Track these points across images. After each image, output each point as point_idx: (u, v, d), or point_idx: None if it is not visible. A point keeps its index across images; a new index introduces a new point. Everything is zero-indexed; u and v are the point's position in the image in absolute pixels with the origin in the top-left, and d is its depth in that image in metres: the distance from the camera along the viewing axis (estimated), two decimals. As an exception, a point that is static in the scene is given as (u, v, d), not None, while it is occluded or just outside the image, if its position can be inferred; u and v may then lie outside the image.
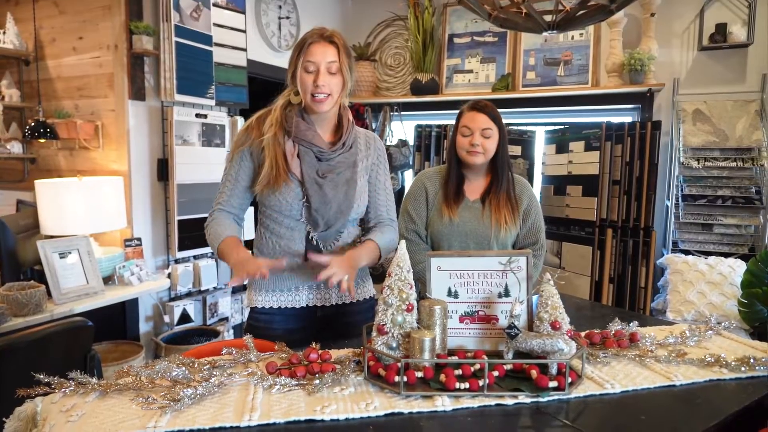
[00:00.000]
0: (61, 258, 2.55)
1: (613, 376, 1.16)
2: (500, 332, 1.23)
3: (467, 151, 1.69)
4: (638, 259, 3.17)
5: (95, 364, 2.09)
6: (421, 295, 1.26)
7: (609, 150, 3.18)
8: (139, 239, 3.11)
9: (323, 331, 1.56)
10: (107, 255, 2.90)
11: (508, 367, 1.14)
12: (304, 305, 1.50)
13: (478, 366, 1.14)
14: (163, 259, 3.36)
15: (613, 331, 1.36)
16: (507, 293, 1.24)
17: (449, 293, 1.24)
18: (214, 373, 1.12)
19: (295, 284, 1.49)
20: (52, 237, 2.65)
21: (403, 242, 1.21)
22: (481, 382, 1.06)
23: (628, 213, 3.18)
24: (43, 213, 2.74)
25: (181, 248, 3.32)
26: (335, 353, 1.24)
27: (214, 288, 3.69)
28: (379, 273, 1.69)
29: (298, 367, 1.14)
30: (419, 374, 1.10)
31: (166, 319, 3.31)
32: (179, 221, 3.28)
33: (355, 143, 1.49)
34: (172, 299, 3.40)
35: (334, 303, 1.52)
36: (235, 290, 3.64)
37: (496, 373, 1.11)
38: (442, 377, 1.09)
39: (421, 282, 1.70)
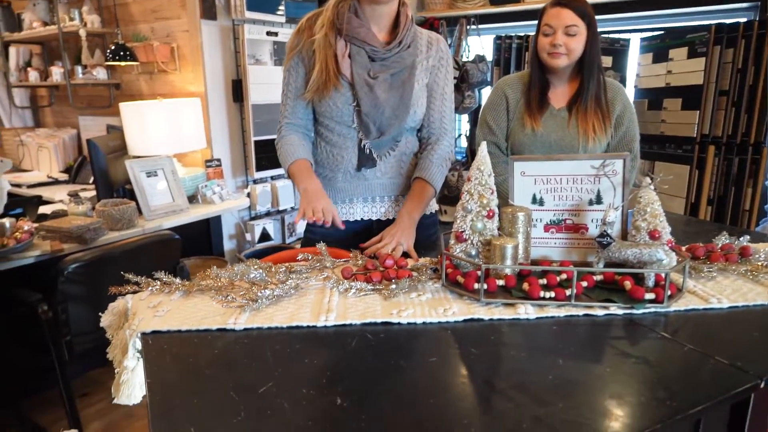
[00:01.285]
0: (148, 177, 2.67)
1: (719, 291, 1.05)
2: (589, 242, 1.16)
3: (548, 52, 1.58)
4: (744, 179, 2.87)
5: (184, 275, 2.22)
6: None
7: (717, 56, 2.81)
8: (218, 160, 3.20)
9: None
10: (190, 175, 3.01)
11: (598, 277, 1.08)
12: (359, 218, 1.49)
13: (564, 276, 1.09)
14: (243, 180, 3.45)
15: (720, 245, 1.23)
16: (599, 200, 1.16)
17: (534, 200, 1.18)
18: (291, 276, 1.14)
19: (348, 196, 1.48)
20: (138, 157, 2.76)
21: (483, 144, 1.14)
22: (568, 292, 1.01)
23: (735, 128, 2.85)
24: (129, 134, 2.85)
25: (258, 168, 3.39)
26: (411, 261, 1.22)
27: (292, 208, 3.78)
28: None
29: (373, 272, 1.12)
30: (500, 282, 1.06)
31: (248, 237, 3.45)
32: (255, 142, 3.33)
33: (415, 43, 1.42)
34: (252, 218, 3.52)
35: (392, 218, 1.49)
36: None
37: (584, 284, 1.06)
38: (525, 286, 1.04)
39: (501, 197, 1.65)
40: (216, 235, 3.30)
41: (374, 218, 1.50)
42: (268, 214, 3.61)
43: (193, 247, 3.18)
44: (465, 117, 4.06)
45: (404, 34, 1.38)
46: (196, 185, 2.99)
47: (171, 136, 2.86)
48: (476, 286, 1.05)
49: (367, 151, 1.43)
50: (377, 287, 1.09)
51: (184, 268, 2.30)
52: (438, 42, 1.46)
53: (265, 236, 3.52)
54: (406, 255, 1.29)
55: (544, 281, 1.06)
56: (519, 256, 1.11)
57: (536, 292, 1.02)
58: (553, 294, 1.01)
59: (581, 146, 1.64)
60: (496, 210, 1.12)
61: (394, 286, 1.07)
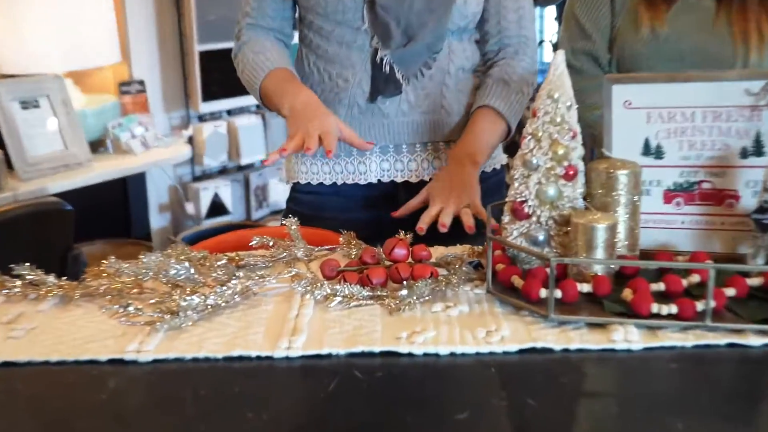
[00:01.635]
0: (23, 110, 2.66)
1: None
2: (741, 222, 1.14)
3: None
4: None
5: (79, 269, 2.22)
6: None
7: None
8: (140, 83, 3.20)
9: (410, 227, 1.56)
10: (94, 107, 3.01)
11: (755, 282, 1.05)
12: (375, 180, 1.55)
13: (696, 279, 1.06)
14: (181, 115, 3.46)
15: None
16: (759, 149, 1.13)
17: (646, 149, 1.17)
18: (238, 274, 1.12)
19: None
20: (9, 77, 2.75)
21: (560, 54, 1.10)
22: (700, 306, 0.98)
23: None
24: (-6, 41, 2.83)
25: (206, 98, 3.39)
26: (437, 251, 1.23)
27: (262, 162, 3.77)
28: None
29: (373, 269, 1.12)
30: (585, 288, 1.04)
31: (189, 208, 3.47)
32: (202, 54, 3.31)
33: None
34: (197, 178, 3.54)
35: (427, 177, 1.54)
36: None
37: (730, 292, 1.02)
38: (628, 294, 1.02)
39: (596, 141, 1.59)
40: (137, 205, 3.33)
41: (399, 179, 1.55)
42: (223, 171, 3.62)
43: (98, 223, 3.19)
44: (550, 11, 4.03)
45: None
46: (104, 124, 2.99)
47: (62, 42, 2.85)
48: (543, 293, 1.02)
49: (386, 68, 1.47)
50: (379, 293, 1.08)
51: (78, 258, 2.30)
52: None
53: (217, 207, 3.53)
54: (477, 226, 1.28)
55: (659, 287, 1.04)
56: (619, 244, 1.10)
57: (646, 305, 0.99)
58: (674, 309, 0.98)
59: (737, 59, 1.61)
60: (581, 166, 1.10)
61: (404, 292, 1.05)
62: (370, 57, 1.48)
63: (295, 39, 1.62)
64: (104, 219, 3.27)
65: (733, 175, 1.14)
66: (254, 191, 3.67)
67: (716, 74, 1.13)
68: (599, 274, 1.05)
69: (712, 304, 0.97)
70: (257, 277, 1.11)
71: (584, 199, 1.12)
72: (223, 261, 1.14)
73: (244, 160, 3.58)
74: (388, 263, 1.14)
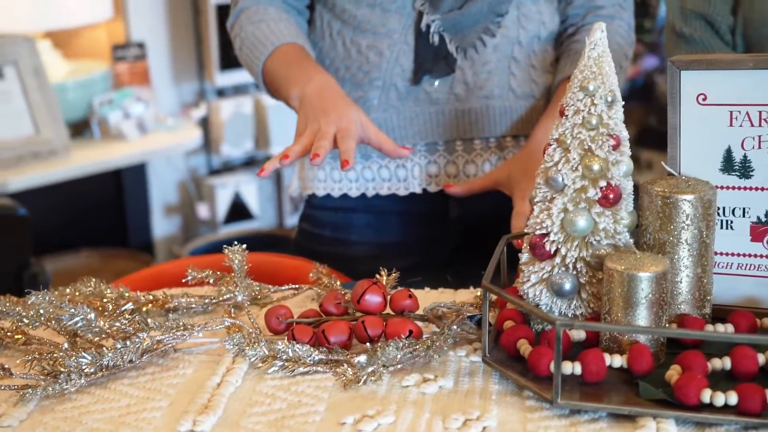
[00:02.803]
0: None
1: None
2: None
3: None
4: None
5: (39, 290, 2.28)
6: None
7: None
8: (140, 45, 3.26)
9: (464, 255, 1.60)
10: (78, 77, 3.08)
11: None
12: (419, 189, 1.57)
13: None
14: (194, 89, 3.52)
15: None
16: None
17: (728, 164, 1.13)
18: (152, 323, 1.12)
19: (397, 142, 1.51)
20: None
21: (599, 26, 1.07)
22: None
23: None
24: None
25: (226, 66, 3.43)
26: (429, 298, 1.22)
27: (258, 173, 3.78)
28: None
29: (332, 323, 1.12)
30: (616, 361, 1.00)
31: (202, 211, 3.53)
32: (220, 8, 3.35)
33: None
34: (213, 172, 3.59)
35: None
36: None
37: None
38: (673, 373, 0.98)
39: None
40: (136, 206, 3.41)
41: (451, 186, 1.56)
42: (247, 163, 3.66)
43: (88, 228, 3.27)
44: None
45: None
46: (90, 99, 3.06)
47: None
48: (553, 367, 0.98)
49: (435, 38, 1.49)
50: (335, 357, 1.07)
51: (38, 276, 2.37)
52: None
53: (240, 210, 3.58)
54: None
55: (725, 364, 1.00)
56: (680, 298, 1.09)
57: (694, 392, 0.95)
58: (734, 398, 0.94)
59: None
60: (628, 188, 1.08)
61: (362, 358, 1.04)
62: (413, 23, 1.49)
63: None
64: (93, 223, 3.36)
65: None
66: (288, 190, 3.69)
67: None
68: (640, 342, 1.01)
69: (792, 395, 0.92)
70: (179, 330, 1.10)
71: (635, 233, 1.09)
72: (129, 305, 1.13)
73: (276, 149, 3.59)
74: (353, 313, 1.13)
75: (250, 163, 3.68)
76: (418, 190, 1.53)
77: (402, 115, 1.51)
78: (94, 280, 1.22)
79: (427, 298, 1.22)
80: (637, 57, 4.06)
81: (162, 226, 3.56)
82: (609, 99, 1.05)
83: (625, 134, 1.07)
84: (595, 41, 1.06)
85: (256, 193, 3.62)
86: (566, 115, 1.06)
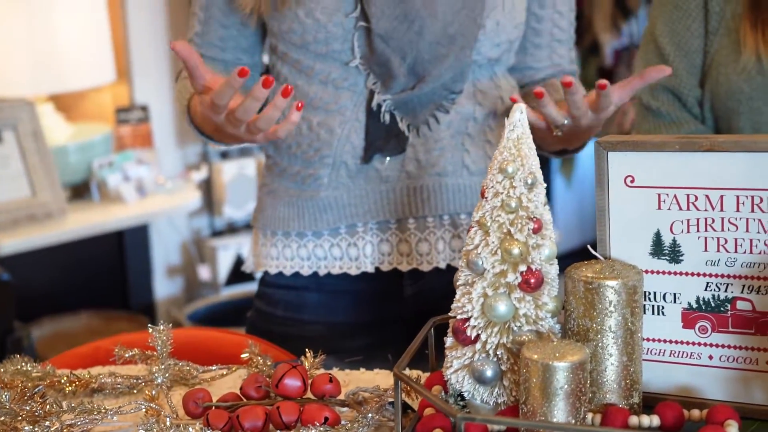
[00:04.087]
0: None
1: None
2: None
3: None
4: None
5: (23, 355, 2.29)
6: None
7: None
8: (144, 108, 3.29)
9: (416, 334, 1.60)
10: (79, 140, 3.11)
11: None
12: (372, 268, 1.56)
13: None
14: (198, 152, 3.53)
15: None
16: None
17: (657, 248, 1.12)
18: (67, 405, 1.11)
19: (345, 218, 1.54)
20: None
21: (518, 108, 1.06)
22: None
23: None
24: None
25: (231, 128, 3.44)
26: (354, 381, 1.21)
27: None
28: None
29: (247, 408, 1.09)
30: None
31: (203, 273, 3.52)
32: (226, 71, 3.38)
33: None
34: (215, 233, 3.59)
35: (443, 264, 1.56)
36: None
37: None
38: None
39: None
40: (137, 267, 3.42)
41: (404, 266, 1.56)
42: (250, 225, 3.62)
43: (87, 290, 3.28)
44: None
45: None
46: (90, 162, 3.08)
47: (36, 58, 2.96)
48: None
49: (386, 117, 1.48)
50: None
51: (21, 341, 2.38)
52: None
53: (240, 271, 3.56)
54: None
55: None
56: (606, 388, 1.06)
57: None
58: None
59: None
60: (552, 273, 1.06)
61: None
62: (365, 101, 1.49)
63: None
64: (94, 285, 3.36)
65: (782, 292, 1.07)
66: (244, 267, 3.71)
67: (752, 140, 1.06)
68: (552, 436, 0.97)
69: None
70: (92, 413, 1.09)
71: (562, 320, 1.08)
72: (39, 388, 1.12)
73: (277, 208, 3.61)
74: (274, 398, 1.12)
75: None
76: (370, 269, 1.52)
77: (352, 193, 1.50)
78: (20, 357, 1.22)
79: (360, 380, 1.21)
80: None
81: (164, 287, 3.56)
82: (529, 181, 1.03)
83: (547, 217, 1.05)
84: (514, 122, 1.04)
85: (259, 254, 3.61)
86: (486, 198, 1.05)
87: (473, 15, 1.44)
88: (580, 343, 1.01)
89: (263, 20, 1.52)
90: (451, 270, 1.47)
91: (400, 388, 1.03)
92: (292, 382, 1.10)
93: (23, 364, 1.20)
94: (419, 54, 1.45)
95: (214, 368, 1.24)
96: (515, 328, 1.04)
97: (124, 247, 3.37)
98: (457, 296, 1.07)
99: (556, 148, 1.52)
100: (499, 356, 1.04)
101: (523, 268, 1.02)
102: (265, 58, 1.64)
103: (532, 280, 1.02)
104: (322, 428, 1.03)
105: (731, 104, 1.69)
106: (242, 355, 1.26)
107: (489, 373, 1.04)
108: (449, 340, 1.08)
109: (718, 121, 1.73)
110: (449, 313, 1.09)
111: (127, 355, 1.22)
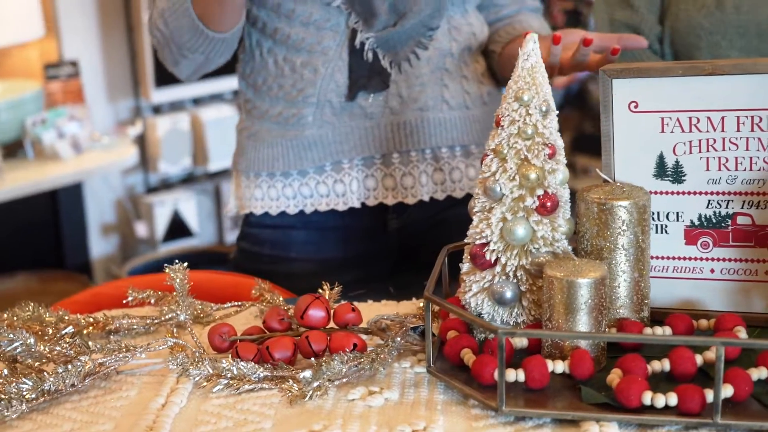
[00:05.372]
0: None
1: None
2: None
3: None
4: None
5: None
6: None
7: None
8: (74, 64, 3.23)
9: (403, 267, 1.63)
10: (9, 98, 3.04)
11: None
12: (358, 203, 1.58)
13: (713, 353, 1.00)
14: (129, 107, 3.49)
15: None
16: None
17: (660, 170, 1.16)
18: (93, 345, 1.11)
19: (331, 155, 1.55)
20: None
21: (531, 37, 1.09)
22: (711, 396, 0.94)
23: None
24: None
25: (162, 82, 3.41)
26: (372, 311, 1.22)
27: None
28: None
29: (276, 339, 1.11)
30: (559, 367, 1.01)
31: (141, 230, 3.49)
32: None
33: None
34: (151, 190, 3.56)
35: (427, 197, 1.56)
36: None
37: (761, 374, 1.00)
38: (614, 377, 1.00)
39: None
40: (72, 227, 3.37)
41: (390, 200, 1.57)
42: (186, 180, 3.64)
43: (21, 251, 3.23)
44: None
45: None
46: (22, 119, 3.03)
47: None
48: (497, 376, 0.98)
49: (369, 55, 1.50)
50: (280, 372, 1.07)
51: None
52: None
53: (179, 227, 3.55)
54: None
55: (662, 366, 1.02)
56: (619, 302, 1.10)
57: (635, 395, 0.96)
58: (674, 399, 0.96)
59: None
60: (565, 196, 1.10)
61: (307, 373, 1.04)
62: (347, 40, 1.49)
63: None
64: (28, 245, 3.31)
65: (782, 207, 1.11)
66: (225, 210, 3.68)
67: (753, 63, 1.10)
68: (581, 347, 1.02)
69: (727, 392, 0.94)
70: (121, 351, 1.09)
71: (574, 238, 1.11)
72: (69, 328, 1.12)
73: (215, 165, 3.58)
74: (296, 328, 1.13)
75: (189, 179, 3.66)
76: (356, 205, 1.53)
77: (338, 131, 1.51)
78: (32, 304, 1.20)
79: (370, 310, 1.23)
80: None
81: (100, 246, 3.52)
82: (543, 109, 1.06)
83: (560, 143, 1.08)
84: (528, 52, 1.07)
85: (196, 210, 3.59)
86: (502, 126, 1.07)
87: None
88: (599, 261, 1.07)
89: None
90: (434, 202, 1.53)
91: (430, 311, 1.06)
92: (317, 313, 1.12)
93: (36, 309, 1.19)
94: None
95: (227, 306, 1.25)
96: (533, 250, 1.07)
97: (58, 206, 3.31)
98: (474, 222, 1.10)
99: None
100: (519, 277, 1.08)
101: (540, 192, 1.06)
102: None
103: (549, 204, 1.06)
104: (351, 354, 1.05)
105: (691, 39, 1.70)
106: (252, 292, 1.27)
107: (509, 294, 1.08)
108: (466, 266, 1.12)
109: (677, 57, 1.75)
110: (465, 240, 1.12)
111: (141, 297, 1.23)
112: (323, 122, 1.51)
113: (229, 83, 3.47)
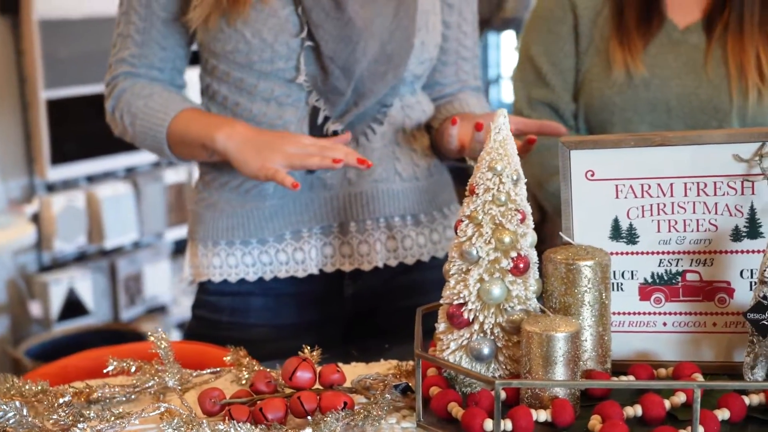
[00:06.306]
0: None
1: None
2: (739, 320, 1.18)
3: None
4: None
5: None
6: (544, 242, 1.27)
7: None
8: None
9: (356, 332, 1.67)
10: None
11: (754, 400, 1.09)
12: (316, 270, 1.60)
13: (683, 398, 1.09)
14: (22, 185, 3.42)
15: None
16: (755, 229, 1.17)
17: (616, 232, 1.22)
18: (88, 414, 1.11)
19: (290, 227, 1.58)
20: None
21: (502, 113, 1.15)
22: None
23: None
24: None
25: (57, 160, 3.37)
26: (356, 370, 1.25)
27: (135, 244, 3.73)
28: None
29: (268, 400, 1.13)
30: (542, 415, 1.06)
31: (35, 309, 3.41)
32: (50, 102, 3.30)
33: None
34: (45, 268, 3.48)
35: (381, 264, 1.60)
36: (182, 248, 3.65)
37: (723, 415, 1.06)
38: (595, 423, 1.04)
39: (553, 214, 1.67)
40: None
41: (347, 267, 1.61)
42: (81, 258, 3.57)
43: None
44: (507, 37, 4.15)
45: None
46: None
47: None
48: (489, 425, 1.03)
49: (328, 131, 1.54)
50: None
51: None
52: None
53: (74, 306, 3.48)
54: None
55: (636, 410, 1.06)
56: (585, 356, 1.14)
57: None
58: None
59: (735, 107, 1.70)
60: (534, 257, 1.14)
61: (308, 431, 1.06)
62: (307, 115, 1.54)
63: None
64: None
65: (725, 264, 1.18)
66: (124, 283, 3.64)
67: (697, 135, 1.18)
68: (560, 396, 1.07)
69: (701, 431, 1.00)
70: (113, 418, 1.10)
71: (540, 298, 1.15)
72: (67, 397, 1.13)
73: (110, 243, 3.55)
74: (288, 391, 1.14)
75: (83, 257, 3.60)
76: (315, 272, 1.56)
77: (298, 201, 1.54)
78: (10, 376, 1.20)
79: (346, 372, 1.24)
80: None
81: (-8, 325, 3.42)
82: (514, 177, 1.12)
83: (528, 209, 1.13)
84: (499, 126, 1.13)
85: (91, 287, 3.53)
86: (477, 194, 1.12)
87: (406, 34, 1.52)
88: (569, 316, 1.12)
89: (201, 40, 1.54)
90: (387, 268, 1.58)
91: (420, 368, 1.10)
92: (304, 374, 1.14)
93: (11, 381, 1.18)
94: (362, 72, 1.51)
95: (205, 372, 1.27)
96: (509, 308, 1.12)
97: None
98: (450, 284, 1.14)
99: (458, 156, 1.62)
100: (495, 334, 1.12)
101: (513, 254, 1.11)
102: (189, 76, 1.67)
103: (522, 265, 1.11)
104: (344, 412, 1.08)
105: (605, 116, 1.76)
106: (226, 359, 1.29)
107: (486, 350, 1.12)
108: (442, 326, 1.16)
109: (591, 132, 1.80)
110: (441, 301, 1.16)
111: (122, 365, 1.22)
112: (284, 193, 1.53)
113: (123, 161, 3.47)
